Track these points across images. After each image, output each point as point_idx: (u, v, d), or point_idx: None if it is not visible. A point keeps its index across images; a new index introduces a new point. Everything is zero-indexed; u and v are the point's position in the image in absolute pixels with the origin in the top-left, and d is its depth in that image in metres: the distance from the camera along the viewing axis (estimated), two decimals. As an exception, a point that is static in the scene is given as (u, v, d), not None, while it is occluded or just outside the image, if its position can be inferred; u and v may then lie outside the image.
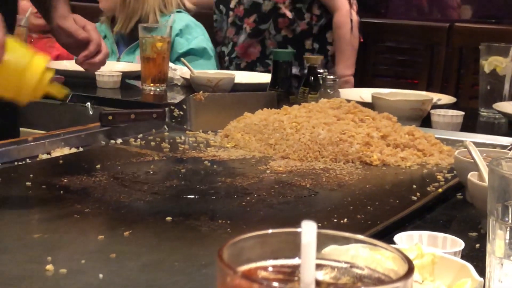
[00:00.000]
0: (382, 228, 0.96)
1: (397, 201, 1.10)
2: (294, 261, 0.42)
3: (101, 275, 0.77)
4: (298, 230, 0.39)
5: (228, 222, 0.97)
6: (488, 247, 0.63)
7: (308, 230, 0.38)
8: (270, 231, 0.43)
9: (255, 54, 2.71)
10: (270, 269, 0.42)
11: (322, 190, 1.15)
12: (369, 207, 1.06)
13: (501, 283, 0.62)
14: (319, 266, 0.42)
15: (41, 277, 0.77)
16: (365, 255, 0.45)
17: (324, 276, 0.42)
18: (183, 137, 1.49)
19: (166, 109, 1.56)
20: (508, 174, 0.61)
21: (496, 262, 0.62)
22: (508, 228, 0.60)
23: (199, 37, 2.66)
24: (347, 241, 0.44)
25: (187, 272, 0.80)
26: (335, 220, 0.99)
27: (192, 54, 2.57)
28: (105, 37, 2.77)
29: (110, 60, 2.61)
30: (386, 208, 1.07)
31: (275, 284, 0.37)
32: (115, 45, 2.74)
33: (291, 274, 0.41)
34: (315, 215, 1.03)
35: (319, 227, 0.47)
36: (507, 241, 0.60)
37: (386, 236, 0.91)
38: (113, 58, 2.69)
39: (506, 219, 0.60)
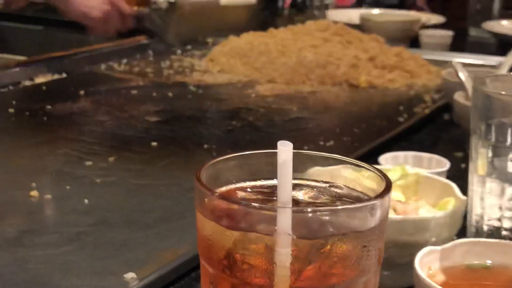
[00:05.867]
0: (368, 149, 0.96)
1: (384, 123, 1.10)
2: (273, 182, 0.41)
3: (86, 200, 0.77)
4: (276, 151, 0.38)
5: (214, 146, 0.97)
6: (471, 165, 0.63)
7: (284, 149, 0.37)
8: (248, 152, 0.42)
9: None
10: (249, 190, 0.41)
11: (309, 113, 1.15)
12: (355, 129, 1.06)
13: (483, 201, 0.62)
14: (298, 186, 0.42)
15: (26, 202, 0.77)
16: (346, 175, 0.44)
17: (304, 195, 0.41)
18: (168, 62, 1.47)
19: (148, 10, 1.54)
20: (492, 93, 0.60)
21: (478, 180, 0.62)
22: (491, 147, 0.60)
23: None
24: (326, 161, 0.43)
25: (172, 196, 0.80)
26: (322, 142, 0.99)
27: None
28: None
29: None
30: (373, 130, 1.07)
31: (253, 204, 0.37)
32: None
33: (269, 194, 0.41)
34: (302, 138, 1.03)
35: (305, 149, 0.47)
36: (489, 159, 0.60)
37: (372, 157, 0.91)
38: None
39: (489, 137, 0.60)
